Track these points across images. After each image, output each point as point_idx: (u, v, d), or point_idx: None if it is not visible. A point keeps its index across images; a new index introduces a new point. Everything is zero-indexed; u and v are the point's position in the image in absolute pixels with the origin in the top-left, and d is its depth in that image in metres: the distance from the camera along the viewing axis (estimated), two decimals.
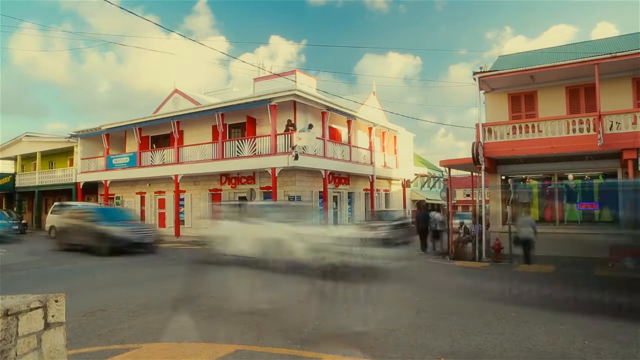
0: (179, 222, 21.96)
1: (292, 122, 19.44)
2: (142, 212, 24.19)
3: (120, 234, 14.48)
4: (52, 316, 2.73)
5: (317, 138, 19.15)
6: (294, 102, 19.50)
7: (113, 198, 25.88)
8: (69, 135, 27.88)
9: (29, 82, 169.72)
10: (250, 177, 20.48)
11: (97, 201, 26.57)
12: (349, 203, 23.13)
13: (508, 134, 13.92)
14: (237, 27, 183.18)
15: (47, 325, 2.70)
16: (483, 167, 13.75)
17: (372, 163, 23.85)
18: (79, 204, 22.74)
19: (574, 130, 12.97)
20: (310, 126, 19.53)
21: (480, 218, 14.32)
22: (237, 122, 21.67)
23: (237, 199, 20.90)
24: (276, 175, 18.43)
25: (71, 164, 28.83)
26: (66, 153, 29.65)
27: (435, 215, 17.24)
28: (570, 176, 14.53)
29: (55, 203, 24.43)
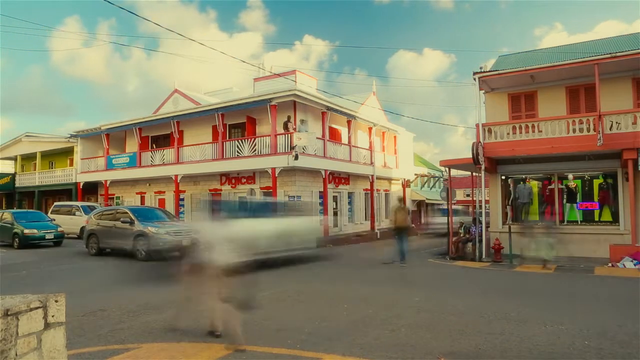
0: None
1: (290, 119, 19.43)
2: None
3: (161, 235, 13.03)
4: (52, 316, 2.74)
5: (317, 138, 19.16)
6: (294, 102, 19.50)
7: (113, 198, 25.88)
8: (69, 135, 27.89)
9: (64, 80, 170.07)
10: (250, 177, 20.47)
11: (97, 201, 26.57)
12: (349, 203, 23.13)
13: (508, 134, 13.92)
14: (292, 22, 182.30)
15: (47, 325, 2.70)
16: (483, 167, 13.75)
17: (372, 163, 23.86)
18: (78, 203, 22.76)
19: (574, 130, 12.97)
20: (302, 121, 19.49)
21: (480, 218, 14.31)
22: (237, 122, 21.68)
23: (238, 199, 20.90)
24: (276, 175, 18.43)
25: (71, 164, 28.83)
26: (66, 153, 29.65)
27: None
28: (570, 176, 14.53)
29: (55, 203, 24.44)
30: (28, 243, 16.96)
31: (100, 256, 14.22)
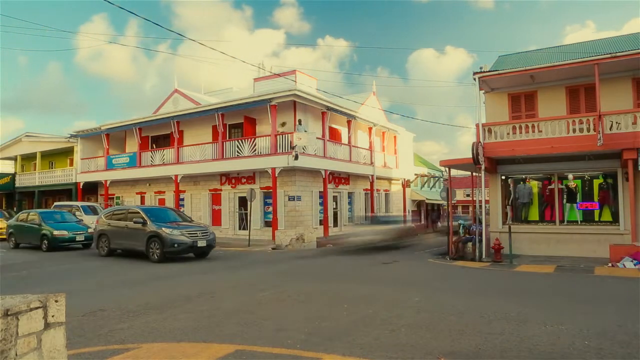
0: None
1: (285, 125, 19.62)
2: None
3: (176, 237, 12.90)
4: (52, 316, 2.73)
5: (317, 138, 19.17)
6: (294, 102, 19.51)
7: (113, 198, 25.89)
8: (69, 135, 27.89)
9: (85, 78, 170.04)
10: (250, 177, 20.47)
11: (97, 201, 26.57)
12: (349, 203, 23.13)
13: (508, 134, 13.92)
14: (326, 20, 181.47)
15: (47, 325, 2.70)
16: (483, 167, 13.76)
17: (372, 163, 23.86)
18: (78, 203, 22.76)
19: (574, 130, 12.97)
20: (300, 122, 19.50)
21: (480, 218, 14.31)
22: (237, 122, 21.68)
23: (237, 199, 20.91)
24: (276, 175, 18.43)
25: (71, 164, 28.83)
26: (66, 153, 29.66)
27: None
28: (570, 176, 14.53)
29: (55, 203, 24.43)
30: (57, 245, 15.99)
31: (110, 257, 14.19)
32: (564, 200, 14.53)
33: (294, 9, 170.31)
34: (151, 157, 23.47)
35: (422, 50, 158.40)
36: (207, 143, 21.52)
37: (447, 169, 17.01)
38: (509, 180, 15.60)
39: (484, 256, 13.47)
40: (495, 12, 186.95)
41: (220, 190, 21.52)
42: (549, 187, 14.88)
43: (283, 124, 19.68)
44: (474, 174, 16.35)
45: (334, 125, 22.62)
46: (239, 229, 20.85)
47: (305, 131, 19.00)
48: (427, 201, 35.72)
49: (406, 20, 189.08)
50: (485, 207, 15.11)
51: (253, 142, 19.74)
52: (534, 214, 15.11)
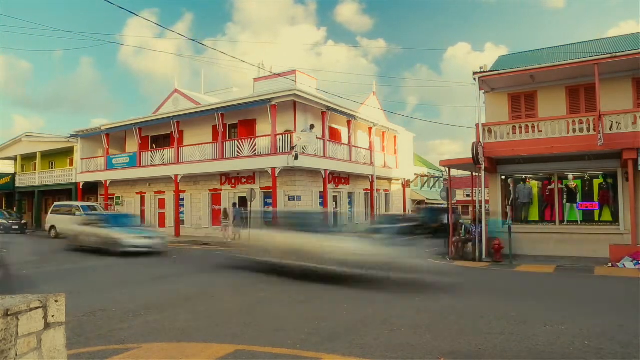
0: (179, 222, 21.96)
1: (315, 126, 19.71)
2: (142, 212, 24.20)
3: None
4: (52, 316, 2.73)
5: (317, 138, 19.16)
6: (294, 102, 19.51)
7: (113, 198, 25.89)
8: (69, 135, 27.89)
9: (124, 74, 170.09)
10: (250, 177, 20.47)
11: (97, 201, 26.57)
12: (349, 203, 23.13)
13: (508, 134, 13.92)
14: (386, 15, 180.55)
15: (47, 325, 2.70)
16: (483, 167, 13.75)
17: (372, 163, 23.86)
18: (78, 203, 22.76)
19: (574, 130, 12.97)
20: (312, 126, 19.53)
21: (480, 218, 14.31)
22: (237, 122, 21.68)
23: (237, 199, 20.92)
24: (276, 175, 18.43)
25: (71, 164, 28.83)
26: (66, 153, 29.65)
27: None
28: (570, 176, 14.53)
29: (55, 203, 24.44)
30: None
31: (110, 257, 14.29)
32: (564, 200, 14.52)
33: (355, 5, 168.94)
34: (151, 157, 23.46)
35: (461, 48, 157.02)
36: (207, 143, 21.52)
37: (447, 169, 17.00)
38: (509, 180, 15.59)
39: (484, 256, 13.46)
40: (565, 10, 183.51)
41: (220, 190, 21.52)
42: (549, 187, 14.88)
43: (311, 126, 19.74)
44: (474, 174, 16.34)
45: (334, 125, 22.62)
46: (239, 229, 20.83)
47: (308, 131, 19.01)
48: (426, 201, 35.75)
49: (470, 18, 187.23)
50: (486, 207, 15.11)
51: (253, 142, 19.74)
52: (534, 214, 15.11)
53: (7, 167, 34.38)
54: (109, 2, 10.13)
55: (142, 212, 24.18)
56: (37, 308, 2.63)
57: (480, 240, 13.64)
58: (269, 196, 19.67)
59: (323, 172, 19.85)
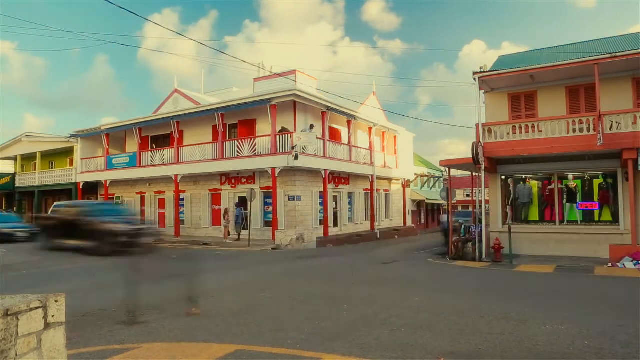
0: (179, 222, 21.96)
1: (315, 125, 19.66)
2: (142, 212, 24.20)
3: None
4: (52, 316, 2.74)
5: (317, 138, 19.16)
6: (294, 102, 19.51)
7: (113, 198, 25.88)
8: (69, 135, 27.89)
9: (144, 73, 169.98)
10: (250, 177, 20.48)
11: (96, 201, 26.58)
12: (349, 203, 23.13)
13: (508, 134, 13.92)
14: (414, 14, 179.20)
15: (47, 325, 2.70)
16: (483, 167, 13.75)
17: (372, 163, 23.86)
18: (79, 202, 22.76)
19: (574, 130, 12.97)
20: (312, 126, 19.54)
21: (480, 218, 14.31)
22: (237, 122, 21.68)
23: (238, 199, 20.93)
24: (276, 175, 18.43)
25: (71, 164, 28.84)
26: (66, 153, 29.65)
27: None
28: (570, 176, 14.53)
29: (56, 203, 24.41)
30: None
31: (110, 257, 14.26)
32: (564, 200, 14.53)
33: (382, 3, 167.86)
34: (151, 157, 23.47)
35: (476, 46, 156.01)
36: (207, 143, 21.53)
37: (447, 169, 17.00)
38: (509, 180, 15.60)
39: (484, 256, 13.47)
40: (595, 10, 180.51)
41: (220, 190, 21.52)
42: (549, 187, 14.88)
43: (311, 127, 19.70)
44: (474, 174, 16.35)
45: (334, 125, 22.62)
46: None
47: (308, 131, 19.02)
48: (426, 201, 35.76)
49: (487, 16, 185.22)
50: (485, 207, 15.11)
51: (253, 142, 19.74)
52: (534, 214, 15.11)
53: (7, 167, 34.39)
54: (109, 1, 10.12)
55: (142, 212, 24.19)
56: (37, 308, 2.63)
57: (480, 240, 13.65)
58: (269, 196, 19.68)
59: (323, 172, 19.85)
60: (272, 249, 17.11)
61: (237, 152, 19.93)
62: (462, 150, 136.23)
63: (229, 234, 19.42)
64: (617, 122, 12.63)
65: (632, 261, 11.46)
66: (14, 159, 32.47)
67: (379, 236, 23.33)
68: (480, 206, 14.54)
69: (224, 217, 19.75)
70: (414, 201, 33.37)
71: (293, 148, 17.79)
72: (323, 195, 20.13)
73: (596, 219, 14.18)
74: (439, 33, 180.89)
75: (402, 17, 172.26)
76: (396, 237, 25.10)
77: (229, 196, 21.22)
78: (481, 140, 13.94)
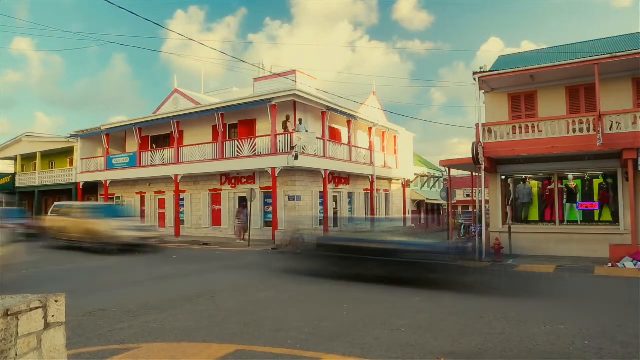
0: (179, 222, 21.95)
1: (290, 118, 19.37)
2: (142, 212, 24.20)
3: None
4: (52, 316, 2.73)
5: (317, 138, 19.16)
6: (294, 102, 19.51)
7: (113, 198, 25.89)
8: (69, 135, 27.90)
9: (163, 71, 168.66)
10: (250, 177, 20.48)
11: (97, 201, 26.57)
12: (349, 203, 23.12)
13: (508, 134, 13.92)
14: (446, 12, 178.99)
15: (47, 325, 2.70)
16: (483, 167, 13.75)
17: (372, 163, 23.85)
18: (79, 203, 22.74)
19: (573, 130, 12.97)
20: (300, 121, 19.43)
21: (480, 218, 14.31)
22: (237, 122, 21.68)
23: (237, 199, 20.92)
24: (276, 175, 18.43)
25: (71, 164, 28.83)
26: (66, 153, 29.65)
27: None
28: (570, 176, 14.53)
29: (55, 203, 24.40)
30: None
31: (109, 257, 14.23)
32: (564, 200, 14.53)
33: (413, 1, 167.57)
34: (151, 157, 23.46)
35: (493, 44, 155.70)
36: (207, 143, 21.52)
37: (447, 169, 17.00)
38: (509, 180, 15.60)
39: (484, 256, 13.46)
40: (630, 9, 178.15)
41: (220, 190, 21.52)
42: (549, 187, 14.88)
43: (287, 117, 19.39)
44: (474, 174, 16.35)
45: (334, 125, 22.62)
46: None
47: (306, 130, 18.99)
48: (426, 201, 35.75)
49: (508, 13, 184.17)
50: (485, 207, 15.11)
51: (253, 142, 19.74)
52: (534, 214, 15.11)
53: (7, 167, 34.39)
54: (108, 1, 10.12)
55: (142, 212, 24.19)
56: (37, 308, 2.63)
57: (480, 240, 13.64)
58: (268, 196, 19.68)
59: (323, 172, 19.85)
60: (272, 249, 17.10)
61: (237, 152, 19.92)
62: (470, 149, 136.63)
63: (245, 231, 18.55)
64: (617, 122, 12.63)
65: (632, 261, 11.46)
66: (14, 159, 32.47)
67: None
68: (480, 206, 14.53)
69: (237, 216, 19.34)
70: (414, 201, 33.36)
71: (293, 148, 17.79)
72: (323, 195, 20.13)
73: (596, 219, 14.18)
74: (463, 31, 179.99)
75: (434, 15, 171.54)
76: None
77: (229, 196, 21.21)
78: (481, 140, 13.94)
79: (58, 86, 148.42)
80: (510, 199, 15.40)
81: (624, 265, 11.45)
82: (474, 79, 14.55)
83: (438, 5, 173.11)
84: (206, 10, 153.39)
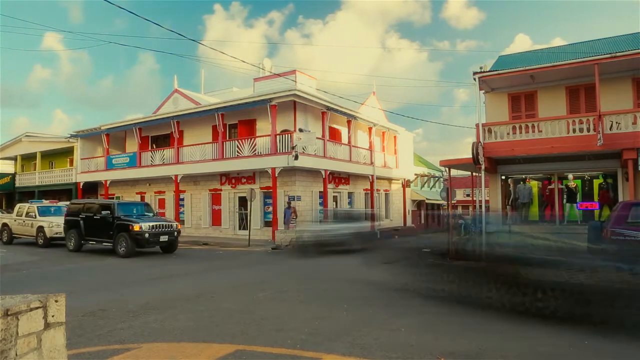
0: (178, 222, 21.92)
1: (302, 129, 19.47)
2: None
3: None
4: (52, 316, 2.73)
5: (317, 138, 19.16)
6: (294, 102, 19.51)
7: (113, 198, 25.87)
8: (69, 135, 27.90)
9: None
10: (250, 177, 20.48)
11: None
12: (349, 203, 23.12)
13: (508, 134, 13.93)
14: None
15: (47, 325, 2.70)
16: (483, 167, 13.76)
17: (372, 163, 23.86)
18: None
19: (574, 130, 12.98)
20: (300, 130, 19.40)
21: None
22: (237, 122, 21.68)
23: (237, 199, 20.92)
24: (276, 175, 18.43)
25: (71, 164, 28.84)
26: (66, 153, 29.66)
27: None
28: (570, 176, 14.54)
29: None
30: None
31: (109, 256, 14.23)
32: (564, 200, 14.53)
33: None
34: (151, 157, 23.47)
35: (521, 40, 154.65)
36: (207, 143, 21.52)
37: (447, 169, 17.00)
38: (509, 180, 15.61)
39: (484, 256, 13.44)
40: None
41: (220, 190, 21.52)
42: (549, 187, 14.89)
43: (300, 130, 19.32)
44: (474, 174, 16.35)
45: (334, 125, 22.62)
46: (239, 229, 20.86)
47: (309, 131, 18.99)
48: (426, 201, 35.75)
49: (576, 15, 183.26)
50: (485, 207, 15.11)
51: (253, 142, 19.74)
52: (534, 213, 15.11)
53: (7, 167, 34.40)
54: (108, 1, 10.13)
55: None
56: (37, 308, 2.63)
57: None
58: (268, 196, 19.68)
59: (323, 172, 19.85)
60: (272, 249, 17.10)
61: (237, 152, 19.93)
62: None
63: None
64: (617, 122, 12.64)
65: None
66: (14, 159, 32.47)
67: (378, 236, 23.28)
68: (481, 206, 14.53)
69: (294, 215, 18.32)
70: (414, 201, 33.37)
71: (293, 148, 17.79)
72: (323, 196, 20.13)
73: (596, 218, 14.18)
74: (495, 30, 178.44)
75: (485, 12, 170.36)
76: (396, 237, 25.07)
77: (229, 196, 21.21)
78: (481, 140, 13.95)
79: (87, 83, 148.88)
80: (511, 199, 15.41)
81: None
82: (474, 79, 14.56)
83: (488, 3, 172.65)
84: (249, 6, 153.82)
